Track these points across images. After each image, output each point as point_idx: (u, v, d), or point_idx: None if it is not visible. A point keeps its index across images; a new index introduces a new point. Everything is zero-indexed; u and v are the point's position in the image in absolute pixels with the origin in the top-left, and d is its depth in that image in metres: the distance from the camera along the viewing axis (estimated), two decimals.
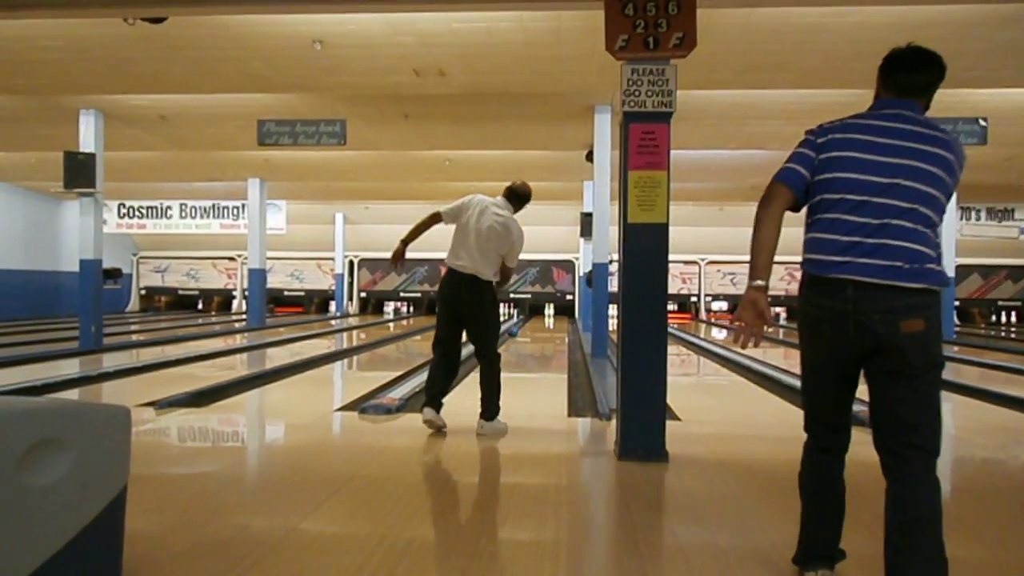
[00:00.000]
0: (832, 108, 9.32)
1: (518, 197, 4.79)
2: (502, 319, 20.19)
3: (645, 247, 4.00)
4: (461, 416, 4.81)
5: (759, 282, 2.15)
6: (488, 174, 14.48)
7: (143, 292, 22.62)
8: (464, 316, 4.61)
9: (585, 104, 9.38)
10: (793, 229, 2.27)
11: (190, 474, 3.75)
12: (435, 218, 4.67)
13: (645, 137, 3.95)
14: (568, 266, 21.39)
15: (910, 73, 2.15)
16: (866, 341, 2.02)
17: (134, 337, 12.98)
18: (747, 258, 2.23)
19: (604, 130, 9.56)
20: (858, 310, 2.01)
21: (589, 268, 11.37)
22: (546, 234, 20.93)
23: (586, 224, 12.34)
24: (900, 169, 2.04)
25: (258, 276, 15.55)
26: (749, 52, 6.91)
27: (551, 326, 18.01)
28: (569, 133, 10.68)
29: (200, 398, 5.92)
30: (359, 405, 5.57)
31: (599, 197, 9.78)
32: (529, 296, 21.78)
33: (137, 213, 18.17)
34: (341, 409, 5.78)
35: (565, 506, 3.25)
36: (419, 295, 21.97)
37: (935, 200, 2.04)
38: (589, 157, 10.36)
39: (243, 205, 16.96)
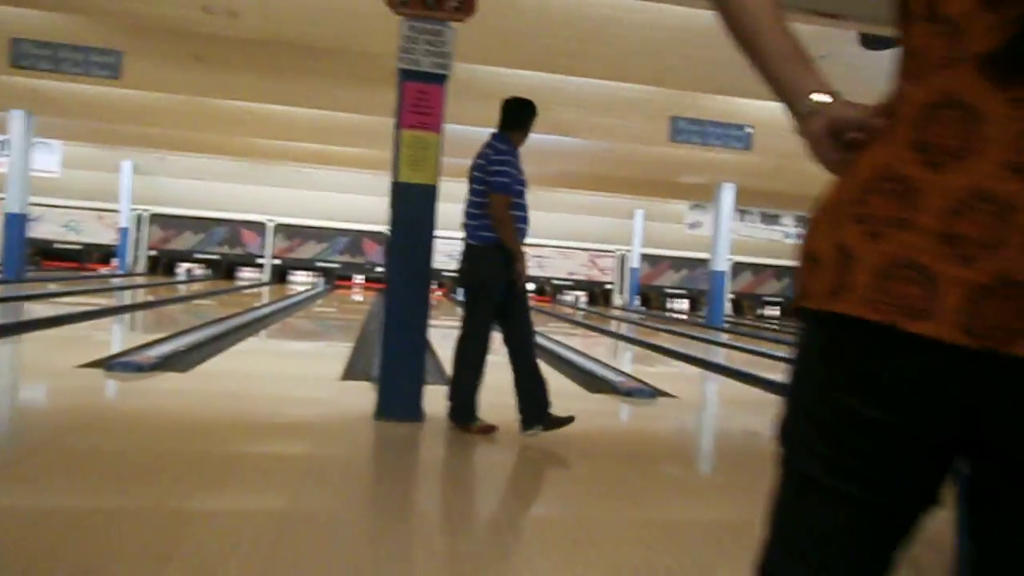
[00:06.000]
0: (639, 103, 9.94)
1: None
2: (305, 289, 19.45)
3: (414, 210, 3.98)
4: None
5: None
6: (296, 133, 13.78)
7: None
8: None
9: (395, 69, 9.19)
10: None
11: None
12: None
13: (419, 96, 3.92)
14: (380, 237, 21.07)
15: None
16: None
17: None
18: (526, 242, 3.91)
19: None
20: None
21: None
22: (357, 203, 20.43)
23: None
24: None
25: (17, 221, 13.66)
26: (548, 36, 7.13)
27: (361, 298, 17.66)
28: (379, 98, 10.39)
29: None
30: (109, 362, 5.07)
31: None
32: (338, 266, 21.21)
33: None
34: (86, 366, 5.22)
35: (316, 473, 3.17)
36: (218, 257, 20.50)
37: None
38: None
39: (4, 140, 14.79)
